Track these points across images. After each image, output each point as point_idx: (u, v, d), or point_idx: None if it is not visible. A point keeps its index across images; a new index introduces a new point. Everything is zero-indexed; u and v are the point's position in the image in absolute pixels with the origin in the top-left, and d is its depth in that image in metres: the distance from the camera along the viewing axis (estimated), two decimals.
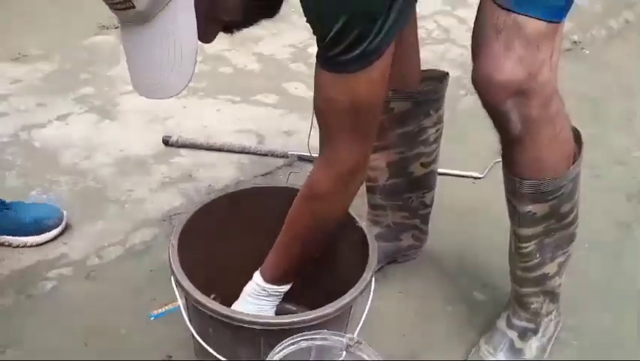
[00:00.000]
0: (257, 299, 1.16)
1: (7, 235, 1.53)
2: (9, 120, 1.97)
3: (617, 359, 1.35)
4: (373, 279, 1.09)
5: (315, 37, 0.93)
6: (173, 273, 1.06)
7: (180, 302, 1.10)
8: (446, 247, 1.61)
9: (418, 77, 1.34)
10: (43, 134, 1.93)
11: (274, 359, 0.79)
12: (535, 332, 1.29)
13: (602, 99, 2.30)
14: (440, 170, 1.80)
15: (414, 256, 1.56)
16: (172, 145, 1.89)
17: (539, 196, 1.11)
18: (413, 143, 1.38)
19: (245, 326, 0.99)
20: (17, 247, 1.53)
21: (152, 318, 1.39)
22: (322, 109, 1.01)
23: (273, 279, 1.15)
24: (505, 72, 1.00)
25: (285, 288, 1.16)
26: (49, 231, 1.55)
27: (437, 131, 1.41)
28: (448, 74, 1.38)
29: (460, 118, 2.09)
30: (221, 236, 1.25)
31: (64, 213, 1.59)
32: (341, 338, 0.81)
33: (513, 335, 1.29)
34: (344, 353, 0.80)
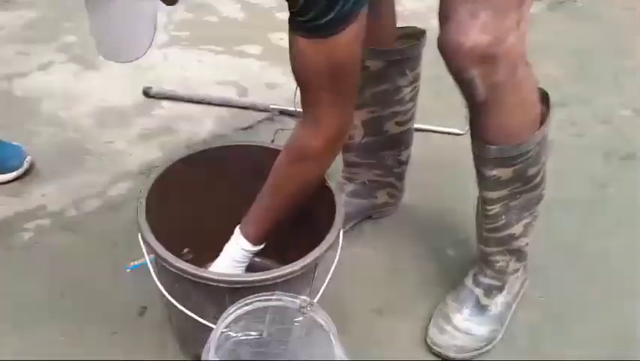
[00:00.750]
0: (243, 263, 1.18)
1: None
2: None
3: (580, 318, 1.38)
4: (341, 236, 1.11)
5: (287, 3, 0.93)
6: (140, 230, 1.08)
7: (147, 258, 1.12)
8: (423, 203, 1.63)
9: (393, 35, 1.33)
10: (24, 84, 1.92)
11: (229, 319, 0.81)
12: (500, 289, 1.31)
13: (591, 55, 2.27)
14: (421, 126, 1.81)
15: (389, 213, 1.58)
16: (152, 97, 1.88)
17: (504, 161, 1.12)
18: (388, 102, 1.38)
19: (210, 283, 1.01)
20: None
21: (128, 270, 1.41)
22: (301, 73, 1.02)
23: (259, 241, 1.17)
24: (470, 39, 0.99)
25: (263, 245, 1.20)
26: (8, 172, 1.58)
27: (413, 90, 1.41)
28: (425, 32, 1.37)
29: (446, 73, 2.06)
30: (194, 192, 1.26)
31: (28, 158, 1.61)
32: (294, 300, 0.83)
33: (479, 292, 1.32)
34: (302, 317, 0.82)
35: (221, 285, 1.01)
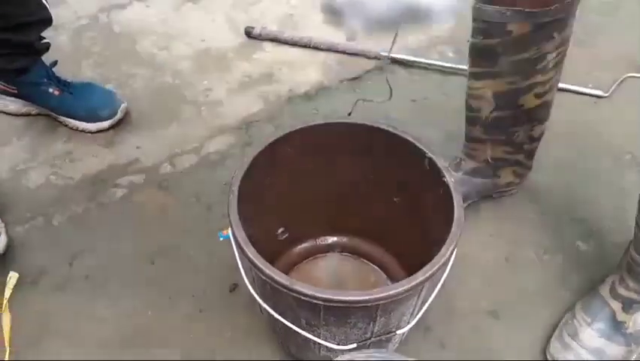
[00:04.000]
0: None
1: (65, 116, 1.51)
2: (87, 0, 1.86)
3: None
4: (454, 253, 0.94)
5: None
6: (232, 227, 0.95)
7: (235, 250, 1.00)
8: (552, 182, 1.41)
9: None
10: (122, 17, 1.81)
11: None
12: None
13: None
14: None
15: (512, 192, 1.37)
16: (254, 37, 1.72)
17: None
18: (529, 71, 1.15)
19: (303, 298, 0.89)
20: (75, 129, 1.52)
21: (220, 238, 1.31)
22: None
23: None
24: None
25: None
26: (101, 121, 1.50)
27: (558, 55, 1.16)
28: None
29: (590, 17, 1.77)
30: (289, 170, 1.12)
31: (123, 106, 1.52)
32: None
33: (616, 305, 1.12)
34: None
35: (317, 302, 0.88)
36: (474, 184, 1.31)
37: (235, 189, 0.99)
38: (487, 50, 1.14)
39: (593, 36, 1.71)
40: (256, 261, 0.91)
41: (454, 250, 0.93)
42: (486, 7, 1.10)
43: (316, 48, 1.69)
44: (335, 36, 1.74)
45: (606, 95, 1.59)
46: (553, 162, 1.43)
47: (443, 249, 0.92)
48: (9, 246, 1.27)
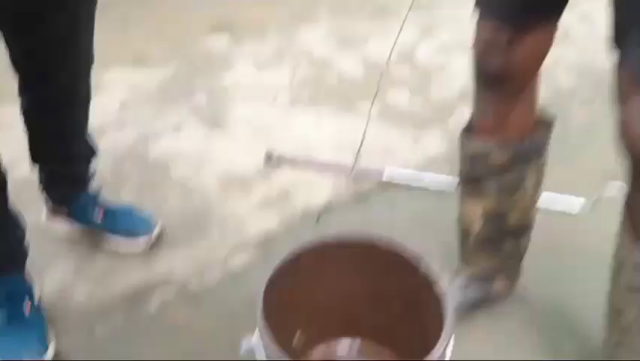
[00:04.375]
0: None
1: (107, 236, 1.70)
2: (127, 130, 2.09)
3: None
4: (448, 351, 1.09)
5: None
6: (260, 330, 1.12)
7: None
8: (538, 289, 1.57)
9: (529, 124, 1.29)
10: (157, 147, 2.04)
11: None
12: None
13: None
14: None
15: (503, 299, 1.53)
16: (273, 161, 1.95)
17: None
18: (511, 192, 1.34)
19: None
20: (115, 248, 1.70)
21: (242, 350, 1.44)
22: None
23: None
24: None
25: None
26: (138, 241, 1.69)
27: (537, 177, 1.36)
28: (555, 118, 1.32)
29: (573, 135, 1.98)
30: (309, 279, 1.29)
31: (157, 228, 1.71)
32: None
33: None
34: None
35: None
36: (468, 292, 1.47)
37: (260, 296, 1.16)
38: (473, 175, 1.34)
39: (572, 154, 1.89)
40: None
41: (446, 347, 1.08)
42: (470, 141, 1.31)
43: (327, 170, 1.91)
44: (342, 159, 1.96)
45: (586, 208, 1.76)
46: (540, 270, 1.57)
47: (435, 348, 1.07)
48: (56, 355, 1.44)
